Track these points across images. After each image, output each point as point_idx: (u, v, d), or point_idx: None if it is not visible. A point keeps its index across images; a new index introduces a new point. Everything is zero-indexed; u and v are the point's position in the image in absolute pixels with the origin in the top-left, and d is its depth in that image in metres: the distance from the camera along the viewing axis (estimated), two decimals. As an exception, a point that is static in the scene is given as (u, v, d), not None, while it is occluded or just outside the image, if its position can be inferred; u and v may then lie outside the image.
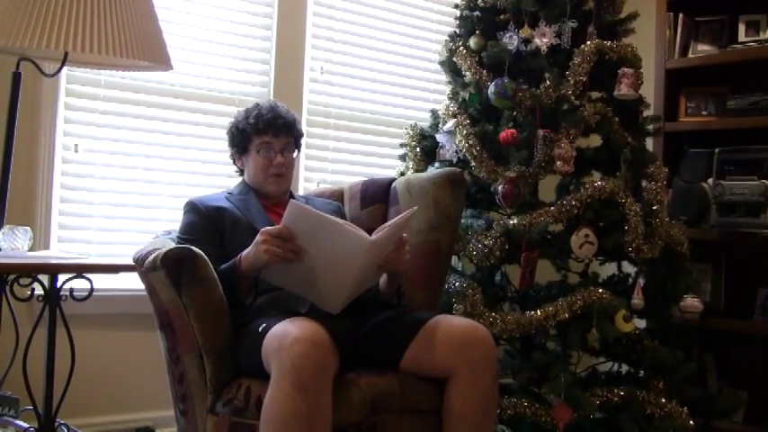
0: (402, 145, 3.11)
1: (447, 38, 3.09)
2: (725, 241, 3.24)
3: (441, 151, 2.93)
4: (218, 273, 2.04)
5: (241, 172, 2.46)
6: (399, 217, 2.00)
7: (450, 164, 2.86)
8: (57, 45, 1.99)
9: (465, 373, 1.96)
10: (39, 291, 2.20)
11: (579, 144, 2.82)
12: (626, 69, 2.81)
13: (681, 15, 3.45)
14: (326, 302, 1.99)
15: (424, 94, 3.68)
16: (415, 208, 2.10)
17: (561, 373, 2.54)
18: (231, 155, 2.46)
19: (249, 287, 2.06)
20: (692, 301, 2.80)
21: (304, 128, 2.47)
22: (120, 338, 2.80)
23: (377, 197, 2.61)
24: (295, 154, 2.44)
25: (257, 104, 2.41)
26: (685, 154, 3.36)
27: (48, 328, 2.22)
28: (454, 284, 2.68)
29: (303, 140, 2.54)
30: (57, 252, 2.59)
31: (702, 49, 3.43)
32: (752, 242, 3.18)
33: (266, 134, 2.34)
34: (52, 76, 2.30)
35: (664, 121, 3.32)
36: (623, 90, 2.81)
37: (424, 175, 2.58)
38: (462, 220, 2.69)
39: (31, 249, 2.30)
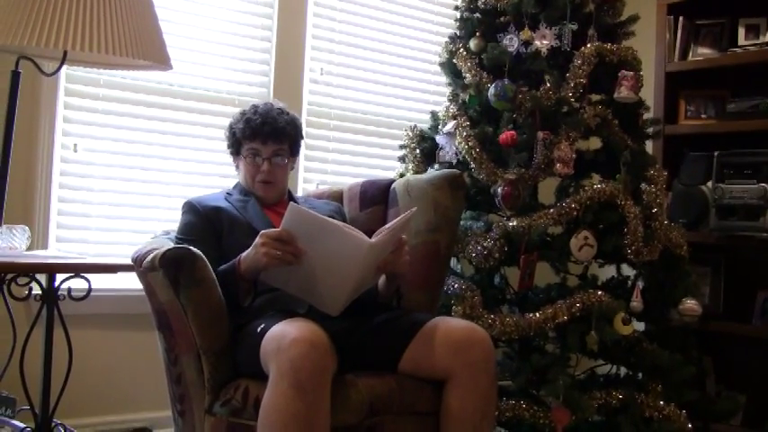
0: (401, 146, 3.11)
1: (447, 39, 3.10)
2: (724, 244, 3.23)
3: (440, 153, 2.93)
4: (217, 274, 2.03)
5: (240, 171, 2.46)
6: (399, 219, 2.00)
7: (450, 165, 2.85)
8: (56, 44, 1.98)
9: (463, 375, 1.95)
10: (36, 290, 2.19)
11: (579, 146, 2.81)
12: (626, 72, 2.81)
13: (681, 18, 3.45)
14: (326, 304, 1.99)
15: (423, 95, 3.68)
16: (414, 209, 2.10)
17: (560, 376, 2.54)
18: (230, 154, 2.45)
19: (248, 289, 2.06)
20: (690, 304, 2.79)
21: (303, 128, 2.45)
22: (117, 339, 2.80)
23: (376, 198, 2.60)
24: (287, 161, 2.40)
25: (254, 107, 2.37)
26: (685, 157, 3.36)
27: (45, 327, 2.21)
28: (453, 286, 2.68)
29: (303, 142, 2.52)
30: (55, 251, 2.58)
31: (702, 52, 3.43)
32: (751, 245, 3.17)
33: (254, 141, 2.32)
34: (51, 75, 2.29)
35: (663, 124, 3.32)
36: (623, 93, 2.81)
37: (423, 176, 2.57)
38: (461, 222, 2.69)
39: (29, 249, 2.29)
